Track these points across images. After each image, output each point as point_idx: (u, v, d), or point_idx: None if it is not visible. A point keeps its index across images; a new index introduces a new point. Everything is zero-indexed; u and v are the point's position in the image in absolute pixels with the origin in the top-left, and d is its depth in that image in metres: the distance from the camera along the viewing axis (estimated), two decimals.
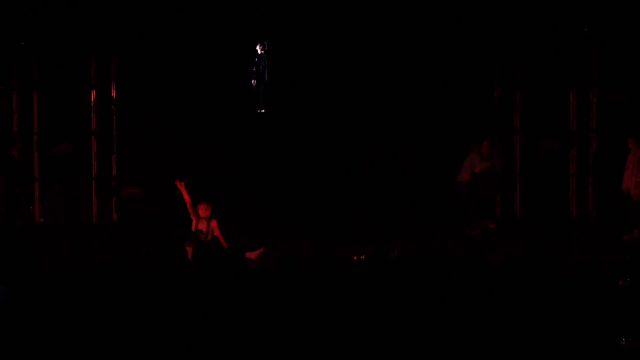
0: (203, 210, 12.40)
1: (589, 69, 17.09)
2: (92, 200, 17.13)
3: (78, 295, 7.40)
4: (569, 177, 17.29)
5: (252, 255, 12.73)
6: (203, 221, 12.41)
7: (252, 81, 16.93)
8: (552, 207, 17.18)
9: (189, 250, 12.14)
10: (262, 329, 7.10)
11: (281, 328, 7.13)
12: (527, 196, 17.28)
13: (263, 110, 17.07)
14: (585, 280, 8.33)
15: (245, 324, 7.18)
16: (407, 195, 17.20)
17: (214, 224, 12.44)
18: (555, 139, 16.98)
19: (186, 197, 12.39)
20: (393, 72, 17.08)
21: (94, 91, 17.05)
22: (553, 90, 17.16)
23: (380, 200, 17.15)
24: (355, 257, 10.90)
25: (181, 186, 12.28)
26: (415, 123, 17.18)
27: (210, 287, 8.08)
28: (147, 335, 6.94)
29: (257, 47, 16.84)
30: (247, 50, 16.99)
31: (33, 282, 7.89)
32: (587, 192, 17.23)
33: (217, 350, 6.85)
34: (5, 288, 7.38)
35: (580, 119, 17.22)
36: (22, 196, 15.61)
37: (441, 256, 10.03)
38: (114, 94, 17.11)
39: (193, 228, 12.39)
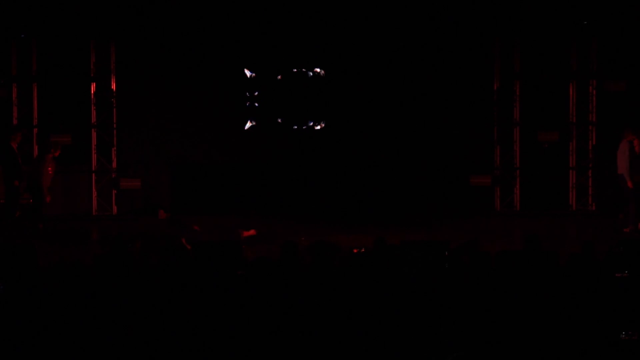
0: None
1: (588, 60, 17.09)
2: (91, 192, 17.16)
3: (76, 290, 7.41)
4: (569, 170, 17.31)
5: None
6: None
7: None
8: (551, 199, 17.19)
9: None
10: (262, 321, 7.11)
11: (281, 320, 7.15)
12: (527, 188, 17.30)
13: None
14: (583, 272, 8.35)
15: (245, 315, 7.20)
16: (406, 191, 17.21)
17: None
18: (554, 131, 16.97)
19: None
20: (391, 67, 17.06)
21: (94, 83, 17.06)
22: (552, 81, 17.18)
23: (380, 198, 17.16)
24: (355, 250, 10.91)
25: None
26: (414, 118, 17.17)
27: (210, 278, 8.09)
28: (145, 331, 6.96)
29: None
30: (247, 43, 17.02)
31: (32, 277, 7.90)
32: (586, 184, 17.27)
33: (217, 343, 6.87)
34: (4, 286, 7.39)
35: (579, 110, 17.24)
36: (21, 188, 15.61)
37: (438, 246, 10.05)
38: (113, 86, 17.11)
39: None
